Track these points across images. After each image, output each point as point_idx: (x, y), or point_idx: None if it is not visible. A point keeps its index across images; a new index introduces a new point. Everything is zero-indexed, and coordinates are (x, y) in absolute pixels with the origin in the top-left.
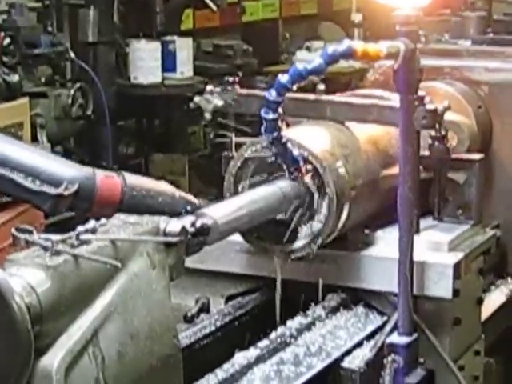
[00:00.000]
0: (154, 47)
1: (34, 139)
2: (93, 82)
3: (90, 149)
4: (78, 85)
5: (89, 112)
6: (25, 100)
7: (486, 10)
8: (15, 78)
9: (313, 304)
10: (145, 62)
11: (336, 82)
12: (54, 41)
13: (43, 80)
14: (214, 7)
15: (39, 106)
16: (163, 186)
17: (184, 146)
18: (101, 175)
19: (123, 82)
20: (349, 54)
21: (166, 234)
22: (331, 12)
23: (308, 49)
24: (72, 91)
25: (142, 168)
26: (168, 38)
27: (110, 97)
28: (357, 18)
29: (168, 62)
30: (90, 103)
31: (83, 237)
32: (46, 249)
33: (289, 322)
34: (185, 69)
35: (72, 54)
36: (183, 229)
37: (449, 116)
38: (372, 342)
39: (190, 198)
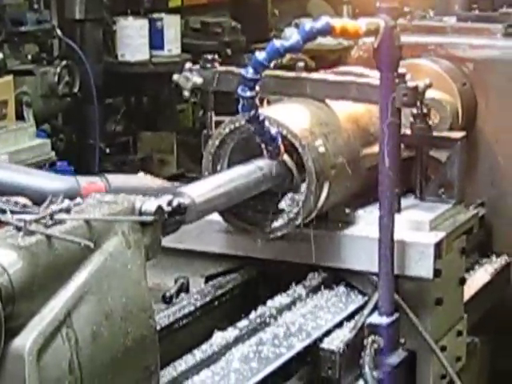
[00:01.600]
0: (142, 24)
1: (21, 117)
2: (80, 60)
3: (78, 127)
4: (64, 62)
5: (75, 90)
6: (9, 78)
7: None
8: None
9: (293, 283)
10: (132, 39)
11: (325, 59)
12: (40, 18)
13: (30, 58)
14: None
15: (25, 84)
16: (148, 181)
17: (172, 123)
18: (84, 183)
19: (111, 59)
20: (327, 31)
21: (141, 213)
22: None
23: (297, 26)
24: (58, 69)
25: (129, 146)
26: (156, 15)
27: (98, 74)
28: None
29: (156, 39)
30: (76, 81)
31: (57, 216)
32: (18, 229)
33: (269, 302)
34: (172, 46)
35: (59, 32)
36: (159, 208)
37: (431, 93)
38: (352, 323)
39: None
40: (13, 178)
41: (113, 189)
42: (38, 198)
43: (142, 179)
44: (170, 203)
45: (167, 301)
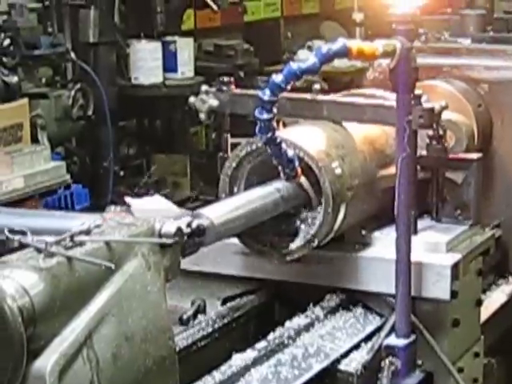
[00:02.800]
0: (155, 47)
1: (35, 140)
2: (93, 83)
3: (92, 150)
4: (78, 85)
5: (89, 113)
6: (24, 101)
7: (487, 8)
8: (14, 79)
9: (311, 305)
10: (146, 62)
11: (338, 82)
12: (54, 42)
13: (44, 81)
14: (215, 7)
15: (40, 107)
16: (170, 213)
17: (186, 146)
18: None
19: (124, 82)
20: (343, 53)
21: (161, 235)
22: (333, 11)
23: (310, 48)
24: (73, 92)
25: (143, 168)
26: (169, 38)
27: (111, 97)
28: (358, 16)
29: (169, 62)
30: (90, 104)
31: (77, 238)
32: (39, 250)
33: (287, 323)
34: (186, 69)
35: (73, 55)
36: (179, 230)
37: (447, 115)
38: (370, 344)
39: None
40: (32, 222)
41: None
42: None
43: (162, 207)
44: (189, 225)
45: (184, 323)
